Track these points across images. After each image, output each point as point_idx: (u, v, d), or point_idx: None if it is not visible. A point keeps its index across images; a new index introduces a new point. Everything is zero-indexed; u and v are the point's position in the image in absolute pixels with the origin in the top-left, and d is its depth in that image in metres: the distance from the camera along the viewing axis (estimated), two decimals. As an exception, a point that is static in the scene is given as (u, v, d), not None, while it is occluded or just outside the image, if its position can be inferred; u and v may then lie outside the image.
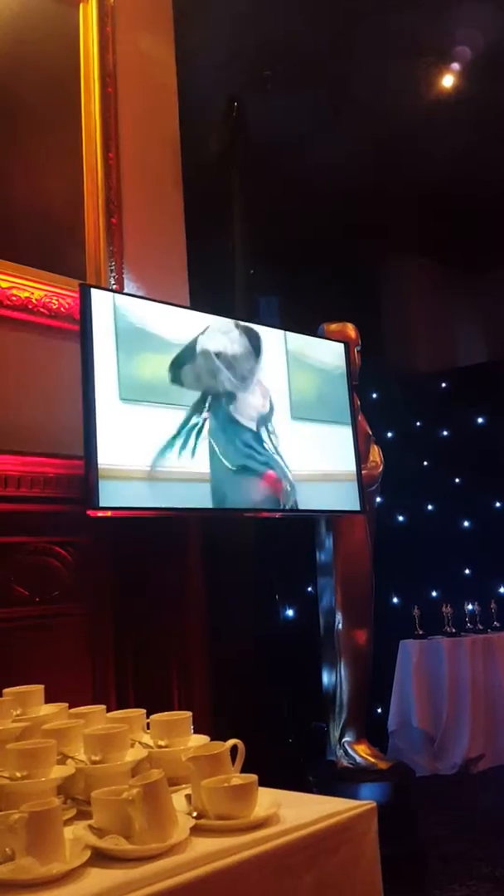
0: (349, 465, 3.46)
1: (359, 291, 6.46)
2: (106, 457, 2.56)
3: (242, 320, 3.28)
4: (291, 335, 3.38)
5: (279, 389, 3.25)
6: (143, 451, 2.69)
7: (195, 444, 2.84)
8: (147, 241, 3.23)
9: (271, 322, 4.13)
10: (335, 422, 3.47)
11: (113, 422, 2.62)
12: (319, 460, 3.35)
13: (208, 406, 2.93)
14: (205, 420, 2.90)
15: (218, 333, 3.04)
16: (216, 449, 2.91)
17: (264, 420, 3.14)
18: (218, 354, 3.01)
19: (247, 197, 5.00)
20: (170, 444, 2.76)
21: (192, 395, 2.89)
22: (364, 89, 4.97)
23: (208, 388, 2.95)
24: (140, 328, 2.77)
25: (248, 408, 3.09)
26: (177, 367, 2.86)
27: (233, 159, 5.03)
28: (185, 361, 2.89)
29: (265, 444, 3.12)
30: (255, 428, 3.10)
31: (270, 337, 3.28)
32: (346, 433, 3.50)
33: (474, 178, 5.84)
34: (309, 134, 5.36)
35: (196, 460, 2.84)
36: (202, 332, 2.98)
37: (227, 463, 2.94)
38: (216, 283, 4.51)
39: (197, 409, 2.89)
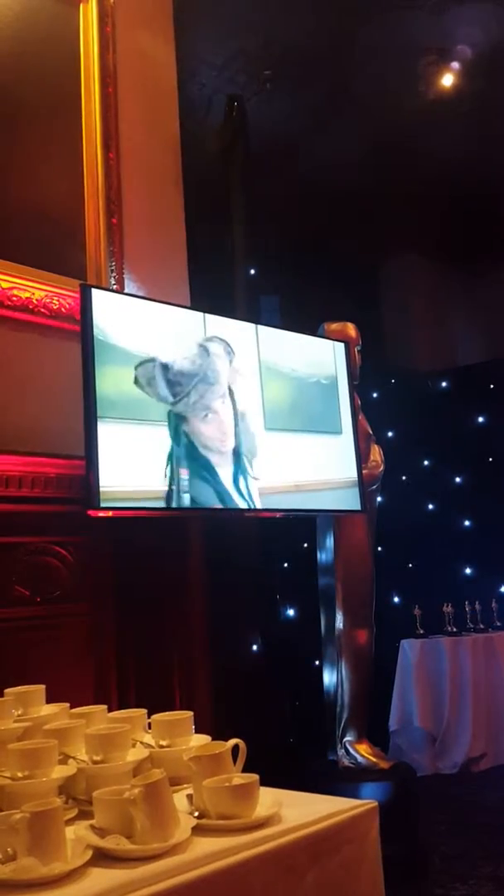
0: (342, 473, 3.42)
1: (359, 291, 6.45)
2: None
3: (240, 319, 3.27)
4: (270, 343, 3.27)
5: (256, 401, 3.15)
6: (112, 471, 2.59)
7: (161, 463, 2.74)
8: (147, 241, 3.23)
9: (271, 321, 4.13)
10: (324, 432, 3.40)
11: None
12: (305, 472, 3.27)
13: (170, 423, 2.80)
14: (169, 438, 2.78)
15: (190, 345, 2.94)
16: (178, 468, 2.79)
17: (237, 434, 3.03)
18: (182, 370, 2.88)
19: (247, 196, 5.00)
20: (136, 462, 2.67)
21: (154, 412, 2.75)
22: (364, 89, 4.97)
23: (171, 404, 2.82)
24: (103, 340, 2.65)
25: (218, 424, 2.97)
26: (138, 381, 2.73)
27: (233, 159, 5.03)
28: (147, 375, 2.76)
29: (234, 465, 3.00)
30: (224, 447, 2.98)
31: (248, 348, 3.17)
32: (334, 442, 3.44)
33: (474, 178, 5.84)
34: (309, 133, 5.36)
35: (156, 480, 2.72)
36: (169, 344, 2.86)
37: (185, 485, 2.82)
38: (217, 282, 4.52)
39: (161, 424, 2.77)
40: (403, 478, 6.10)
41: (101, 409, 2.58)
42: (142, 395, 2.74)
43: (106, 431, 2.58)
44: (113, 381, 2.65)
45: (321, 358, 3.51)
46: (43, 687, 1.79)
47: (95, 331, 2.62)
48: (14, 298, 2.76)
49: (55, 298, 2.86)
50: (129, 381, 2.70)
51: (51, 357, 2.84)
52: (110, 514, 2.56)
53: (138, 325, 2.78)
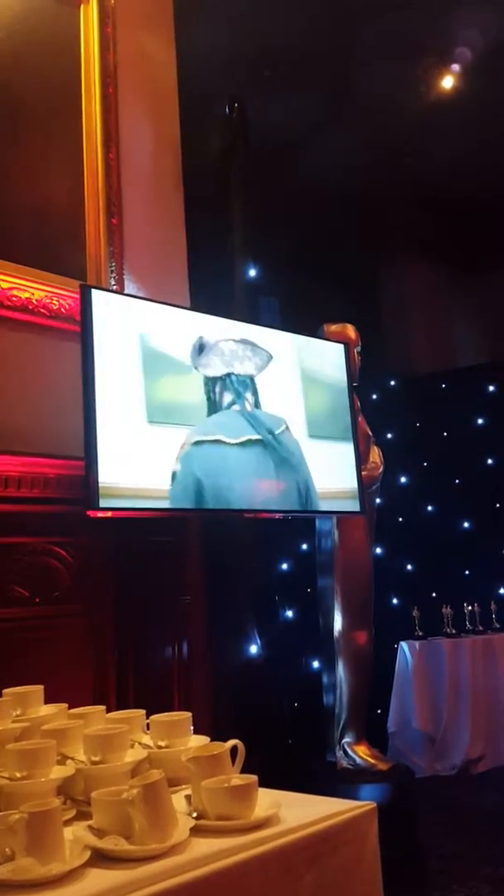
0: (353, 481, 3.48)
1: (359, 292, 6.45)
2: (133, 478, 2.60)
3: (244, 322, 3.28)
4: (306, 350, 3.36)
5: (295, 407, 3.24)
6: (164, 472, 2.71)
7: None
8: (147, 242, 3.23)
9: (271, 323, 4.13)
10: (346, 439, 3.46)
11: (141, 443, 2.66)
12: (335, 479, 3.35)
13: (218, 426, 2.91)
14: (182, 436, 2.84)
15: (229, 350, 3.03)
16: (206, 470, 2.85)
17: (270, 438, 3.09)
18: (230, 374, 3.01)
19: (247, 197, 5.00)
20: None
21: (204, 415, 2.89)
22: (364, 90, 4.97)
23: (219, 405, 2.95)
24: (164, 353, 2.79)
25: (254, 425, 3.05)
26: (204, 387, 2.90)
27: (233, 160, 5.03)
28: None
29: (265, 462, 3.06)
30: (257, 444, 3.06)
31: (285, 354, 3.26)
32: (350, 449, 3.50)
33: (474, 179, 5.84)
34: (309, 134, 5.36)
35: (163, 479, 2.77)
36: (212, 351, 2.96)
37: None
38: (216, 283, 4.51)
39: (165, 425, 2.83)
40: (403, 479, 6.11)
41: (164, 416, 2.69)
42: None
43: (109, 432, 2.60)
44: (175, 388, 2.76)
45: (340, 362, 3.57)
46: (41, 687, 1.79)
47: (95, 331, 2.63)
48: (14, 298, 2.76)
49: (55, 299, 2.86)
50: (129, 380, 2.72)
51: (50, 357, 2.84)
52: (110, 514, 2.56)
53: (142, 326, 2.79)
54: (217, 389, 2.93)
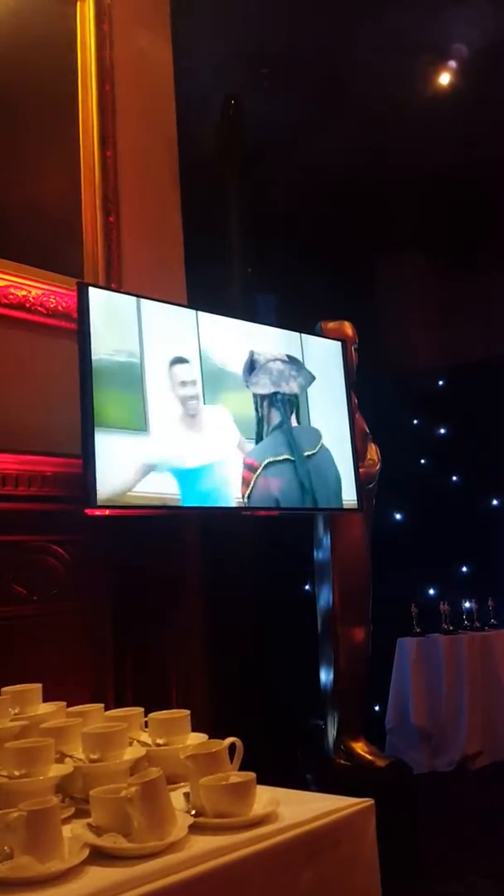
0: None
1: (356, 289, 6.45)
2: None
3: (244, 320, 3.32)
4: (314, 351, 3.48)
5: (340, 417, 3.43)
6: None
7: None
8: (145, 239, 3.23)
9: (268, 320, 4.13)
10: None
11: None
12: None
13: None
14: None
15: (277, 366, 3.19)
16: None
17: (301, 446, 3.22)
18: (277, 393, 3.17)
19: (244, 195, 4.99)
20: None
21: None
22: (362, 87, 4.96)
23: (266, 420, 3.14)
24: (224, 369, 2.97)
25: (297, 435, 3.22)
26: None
27: (230, 157, 5.03)
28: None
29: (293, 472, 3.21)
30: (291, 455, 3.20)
31: (327, 370, 3.43)
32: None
33: (473, 177, 5.84)
34: (307, 131, 5.35)
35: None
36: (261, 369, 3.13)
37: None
38: (214, 281, 4.51)
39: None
40: (400, 477, 6.10)
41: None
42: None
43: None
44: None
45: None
46: (40, 686, 1.79)
47: (92, 329, 2.63)
48: (11, 297, 2.75)
49: (52, 297, 2.86)
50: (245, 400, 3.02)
51: (48, 355, 2.84)
52: (108, 512, 2.56)
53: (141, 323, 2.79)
54: (265, 406, 3.08)
